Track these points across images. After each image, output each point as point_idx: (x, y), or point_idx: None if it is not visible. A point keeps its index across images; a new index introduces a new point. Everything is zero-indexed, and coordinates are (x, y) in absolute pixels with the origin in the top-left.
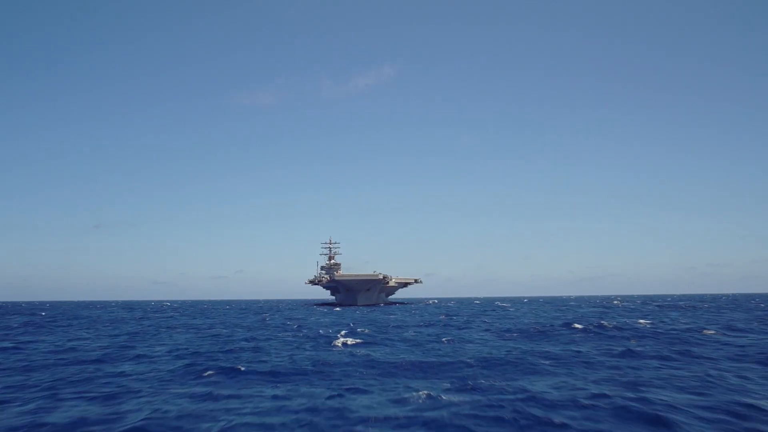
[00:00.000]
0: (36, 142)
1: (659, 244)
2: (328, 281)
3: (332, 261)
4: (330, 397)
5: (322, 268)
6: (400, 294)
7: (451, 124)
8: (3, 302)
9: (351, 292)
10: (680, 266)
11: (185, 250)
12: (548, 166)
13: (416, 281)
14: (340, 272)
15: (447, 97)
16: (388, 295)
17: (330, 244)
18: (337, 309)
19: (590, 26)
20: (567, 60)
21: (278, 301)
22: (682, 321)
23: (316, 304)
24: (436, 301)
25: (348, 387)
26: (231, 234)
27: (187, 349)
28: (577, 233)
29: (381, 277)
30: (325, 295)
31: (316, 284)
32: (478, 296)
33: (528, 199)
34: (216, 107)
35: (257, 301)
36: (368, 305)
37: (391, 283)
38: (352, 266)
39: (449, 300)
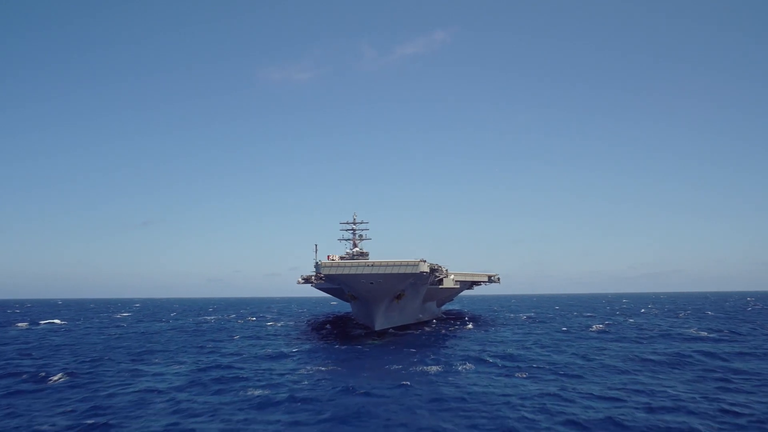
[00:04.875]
0: (63, 136)
1: (726, 241)
2: (318, 279)
3: (356, 249)
4: None
5: (342, 258)
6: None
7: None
8: (68, 299)
9: (363, 304)
10: (751, 262)
11: (240, 248)
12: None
13: (491, 279)
14: (333, 257)
15: (504, 83)
16: (440, 305)
17: (354, 223)
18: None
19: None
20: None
21: (307, 302)
22: None
23: (313, 326)
24: (527, 318)
25: None
26: (284, 232)
27: None
28: (639, 229)
29: (426, 269)
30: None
31: (311, 283)
32: (535, 294)
33: (590, 198)
34: (246, 88)
35: (284, 299)
36: (400, 331)
37: (447, 283)
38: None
39: (512, 298)
